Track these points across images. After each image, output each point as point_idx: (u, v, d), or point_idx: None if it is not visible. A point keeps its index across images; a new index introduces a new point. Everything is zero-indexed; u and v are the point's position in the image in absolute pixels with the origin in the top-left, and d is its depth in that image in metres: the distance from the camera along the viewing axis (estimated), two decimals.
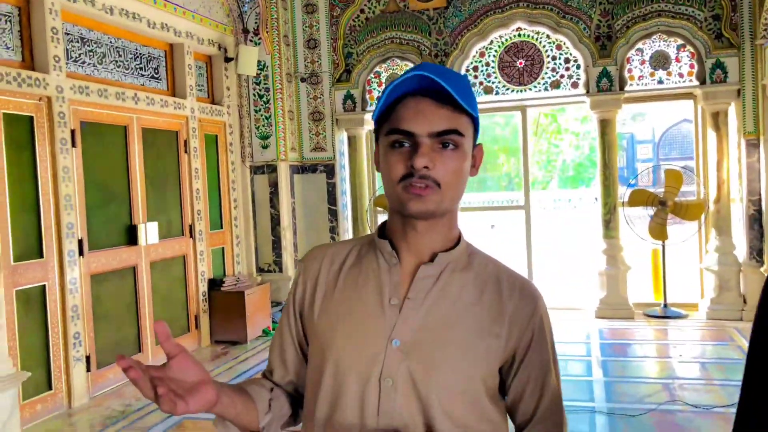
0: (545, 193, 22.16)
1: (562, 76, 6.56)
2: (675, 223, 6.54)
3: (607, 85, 6.36)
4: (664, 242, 6.52)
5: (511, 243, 9.05)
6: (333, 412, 1.05)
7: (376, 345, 1.03)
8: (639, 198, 6.55)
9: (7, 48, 4.33)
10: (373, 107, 7.07)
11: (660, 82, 6.36)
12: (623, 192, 6.67)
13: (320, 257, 1.16)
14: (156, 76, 5.83)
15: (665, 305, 6.43)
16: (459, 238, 1.11)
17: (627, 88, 6.39)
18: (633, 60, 6.39)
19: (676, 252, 7.09)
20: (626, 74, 6.39)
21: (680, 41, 6.23)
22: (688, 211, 6.34)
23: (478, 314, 1.05)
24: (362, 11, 6.96)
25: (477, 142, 1.10)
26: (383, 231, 1.13)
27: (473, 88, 6.29)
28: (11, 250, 4.18)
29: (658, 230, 6.45)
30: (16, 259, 4.22)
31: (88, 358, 4.74)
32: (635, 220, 6.67)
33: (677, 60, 6.29)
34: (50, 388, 4.44)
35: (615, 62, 6.33)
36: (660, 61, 6.33)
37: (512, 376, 1.09)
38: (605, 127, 6.51)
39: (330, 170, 7.11)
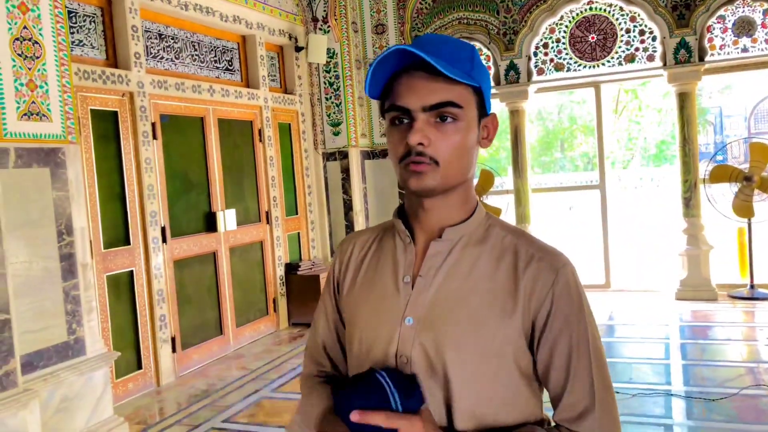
0: (626, 172, 21.38)
1: (636, 50, 6.32)
2: (762, 200, 6.20)
3: (686, 56, 6.08)
4: (750, 220, 6.20)
5: (590, 224, 8.83)
6: None
7: (391, 323, 1.05)
8: (722, 173, 6.25)
9: (93, 47, 4.60)
10: None
11: (744, 50, 6.02)
12: (705, 168, 6.38)
13: (352, 242, 1.20)
14: (230, 68, 6.03)
15: (752, 286, 6.13)
16: (473, 211, 1.09)
17: (707, 58, 6.09)
18: (714, 28, 6.07)
19: (763, 231, 6.72)
20: (706, 44, 6.09)
21: (767, 5, 5.87)
22: None
23: (491, 289, 1.03)
24: None
25: (489, 112, 1.08)
26: (401, 211, 1.14)
27: (544, 65, 6.07)
28: (101, 237, 4.47)
29: (744, 207, 6.14)
30: (105, 247, 4.51)
31: (173, 340, 5.01)
32: (718, 198, 6.37)
33: (764, 26, 5.93)
34: (140, 368, 4.74)
35: (694, 32, 6.04)
36: (744, 27, 5.99)
37: (536, 351, 1.04)
38: (684, 100, 6.23)
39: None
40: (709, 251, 6.19)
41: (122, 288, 4.66)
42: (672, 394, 3.89)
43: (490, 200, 7.07)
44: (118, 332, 4.57)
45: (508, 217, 6.99)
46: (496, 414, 1.01)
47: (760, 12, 5.93)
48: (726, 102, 24.42)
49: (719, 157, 6.91)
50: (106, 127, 4.60)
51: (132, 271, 4.72)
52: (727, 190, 6.34)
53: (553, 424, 1.07)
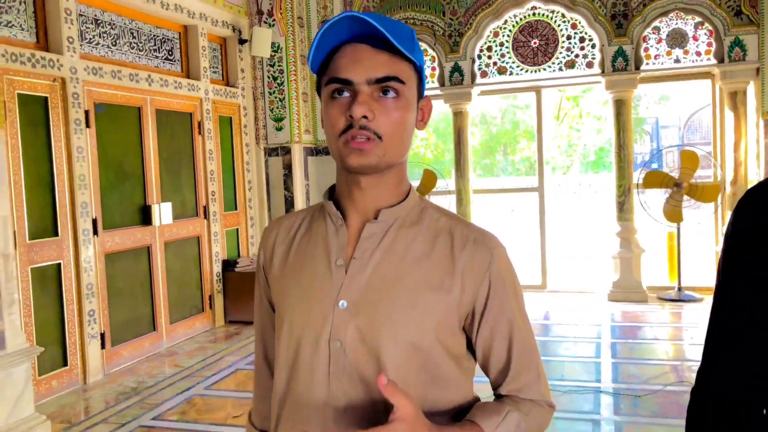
0: (565, 178, 21.93)
1: (576, 56, 6.49)
2: (691, 206, 6.45)
3: (623, 64, 6.27)
4: (679, 225, 6.44)
5: (529, 227, 9.03)
6: (289, 382, 1.04)
7: (323, 307, 1.02)
8: (654, 179, 6.47)
9: (22, 29, 4.40)
10: None
11: (677, 61, 6.25)
12: (638, 174, 6.59)
13: (277, 227, 1.16)
14: (170, 57, 5.88)
15: (679, 288, 6.37)
16: (408, 193, 1.07)
17: (643, 67, 6.30)
18: (650, 39, 6.29)
19: (692, 235, 7.00)
20: (642, 53, 6.30)
21: (698, 19, 6.12)
22: (704, 193, 6.25)
23: (427, 269, 1.02)
24: None
25: (424, 95, 1.06)
26: (332, 193, 1.11)
27: (487, 68, 6.15)
28: (27, 228, 4.27)
29: (673, 212, 6.37)
30: (31, 237, 4.32)
31: (102, 336, 4.84)
32: (650, 203, 6.59)
33: (695, 38, 6.18)
34: (66, 365, 4.55)
35: (631, 41, 6.24)
36: (677, 39, 6.22)
37: (476, 331, 1.04)
38: (620, 107, 6.43)
39: None
40: (641, 254, 6.39)
41: (49, 281, 4.47)
42: (601, 391, 4.00)
43: (433, 200, 7.12)
44: (43, 327, 4.38)
45: None
46: (430, 394, 1.01)
47: (691, 25, 6.17)
48: (662, 113, 25.34)
49: (654, 165, 7.17)
50: (35, 113, 4.40)
51: (59, 264, 4.53)
52: (659, 196, 6.57)
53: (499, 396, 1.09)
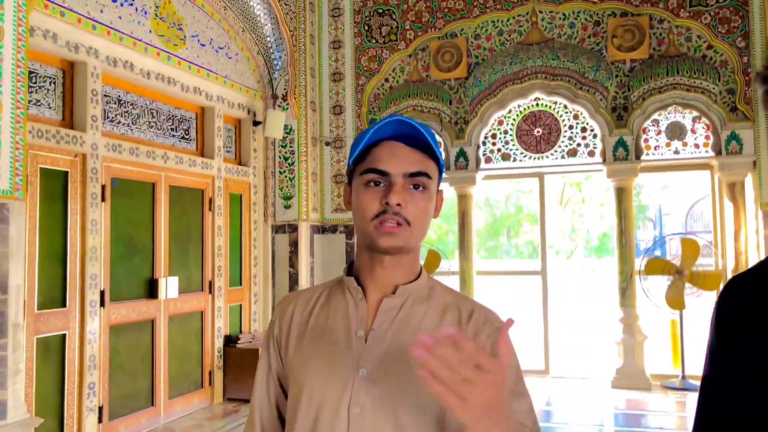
0: (569, 262, 21.98)
1: (578, 145, 6.70)
2: (693, 294, 6.49)
3: (623, 154, 6.47)
4: (681, 312, 6.45)
5: (532, 310, 9.03)
6: None
7: (344, 375, 1.10)
8: (656, 266, 6.54)
9: (49, 107, 4.62)
10: None
11: (676, 152, 6.45)
12: (641, 261, 6.66)
13: (294, 301, 1.24)
14: (186, 137, 6.11)
15: (683, 377, 6.31)
16: (420, 273, 1.19)
17: (643, 157, 6.49)
18: (649, 130, 6.51)
19: (695, 323, 6.99)
20: (642, 144, 6.51)
21: (695, 113, 6.36)
22: (706, 281, 6.31)
23: None
24: (386, 80, 7.24)
25: (439, 188, 1.20)
26: (351, 269, 1.21)
27: (492, 154, 6.37)
28: (36, 298, 4.34)
29: (676, 299, 6.40)
30: (39, 307, 4.38)
31: (100, 409, 4.81)
32: (653, 289, 6.64)
33: (693, 131, 6.40)
34: None
35: (631, 132, 6.46)
36: (676, 131, 6.45)
37: None
38: (621, 194, 6.59)
39: (350, 231, 7.25)
40: (644, 341, 6.38)
41: (52, 351, 4.49)
42: None
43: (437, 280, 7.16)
44: (43, 398, 4.37)
45: None
46: None
47: (689, 119, 6.41)
48: (665, 200, 25.67)
49: (657, 252, 7.24)
50: (55, 187, 4.56)
51: (65, 335, 4.57)
52: (662, 283, 6.61)
53: None
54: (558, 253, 21.26)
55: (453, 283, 7.08)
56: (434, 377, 0.83)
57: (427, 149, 1.12)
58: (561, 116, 6.77)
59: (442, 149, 7.02)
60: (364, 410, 1.07)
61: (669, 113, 6.46)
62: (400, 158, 1.11)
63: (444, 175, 6.90)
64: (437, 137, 7.04)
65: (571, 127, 6.74)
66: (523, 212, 20.23)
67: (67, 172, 4.64)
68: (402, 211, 1.09)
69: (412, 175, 1.11)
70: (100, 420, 4.80)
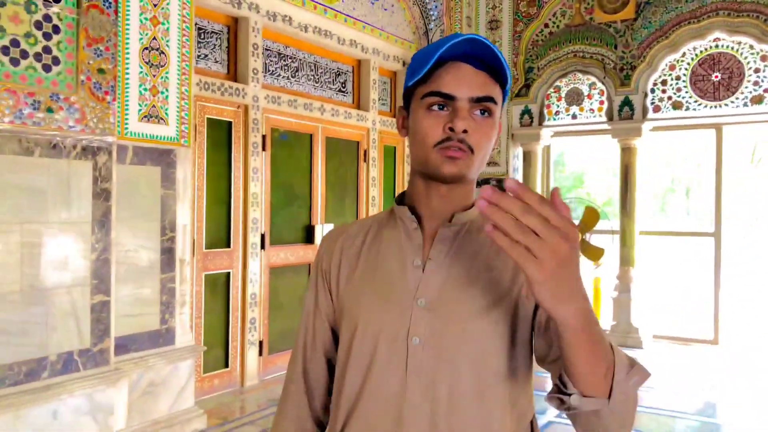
0: (752, 228, 19.82)
1: (766, 90, 5.92)
2: None
3: None
4: None
5: (702, 276, 8.27)
6: (365, 380, 1.07)
7: (402, 305, 1.06)
8: None
9: (216, 61, 4.95)
10: (552, 122, 6.95)
11: None
12: None
13: (340, 237, 1.20)
14: (343, 89, 6.27)
15: None
16: (474, 203, 1.12)
17: None
18: None
19: None
20: None
21: None
22: None
23: (495, 267, 1.06)
24: (546, 25, 6.87)
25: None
26: (402, 199, 1.17)
27: (661, 102, 5.85)
28: (204, 238, 4.75)
29: None
30: (207, 247, 4.79)
31: (261, 343, 5.20)
32: None
33: None
34: (227, 366, 4.95)
35: None
36: None
37: (534, 320, 1.05)
38: None
39: (501, 186, 7.07)
40: None
41: (218, 288, 4.91)
42: None
43: (593, 240, 6.81)
44: (210, 329, 4.82)
45: (611, 258, 6.70)
46: (500, 394, 1.03)
47: None
48: None
49: None
50: (220, 136, 4.91)
51: (229, 273, 4.97)
52: None
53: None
54: (738, 218, 19.27)
55: (613, 243, 6.68)
56: (500, 230, 0.75)
57: (493, 71, 1.04)
58: (746, 58, 6.00)
59: (602, 96, 6.59)
60: (424, 340, 1.03)
61: None
62: (467, 81, 1.03)
63: (606, 126, 6.49)
64: (597, 84, 6.59)
65: (757, 71, 5.95)
66: (700, 169, 18.50)
67: (230, 123, 4.97)
68: (467, 138, 1.02)
69: (479, 100, 1.03)
70: (260, 353, 5.20)
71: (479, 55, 1.02)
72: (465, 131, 1.02)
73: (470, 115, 1.03)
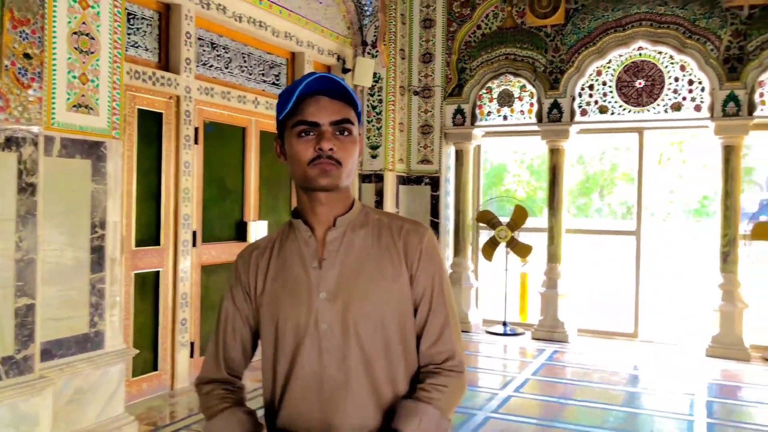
0: (665, 224, 20.98)
1: (684, 99, 6.24)
2: None
3: (734, 109, 5.98)
4: None
5: (623, 273, 8.67)
6: (292, 363, 1.34)
7: (309, 300, 1.34)
8: (763, 231, 6.08)
9: (147, 49, 4.72)
10: (484, 122, 7.07)
11: None
12: (745, 225, 6.21)
13: (251, 253, 1.45)
14: (276, 82, 6.13)
15: None
16: (352, 204, 1.40)
17: (756, 113, 5.97)
18: (766, 84, 5.97)
19: None
20: (757, 99, 5.98)
21: None
22: None
23: (379, 255, 1.36)
24: (479, 27, 6.97)
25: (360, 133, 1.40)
26: (296, 214, 1.41)
27: (588, 106, 6.06)
28: (133, 235, 4.53)
29: None
30: (136, 245, 4.57)
31: (192, 344, 5.02)
32: (756, 256, 6.19)
33: None
34: (156, 369, 4.75)
35: (745, 86, 5.94)
36: None
37: (412, 292, 1.37)
38: (729, 153, 6.11)
39: (435, 183, 7.15)
40: (744, 309, 6.00)
41: (148, 287, 4.70)
42: None
43: (523, 237, 6.99)
44: (139, 331, 4.60)
45: (539, 255, 6.89)
46: (390, 362, 1.34)
47: None
48: None
49: (763, 217, 6.74)
50: (151, 128, 4.69)
51: (159, 272, 4.76)
52: None
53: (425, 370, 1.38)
54: (653, 214, 20.34)
55: (540, 239, 6.88)
56: None
57: (345, 98, 1.31)
58: (666, 67, 6.31)
59: (533, 99, 6.75)
60: (331, 325, 1.32)
61: None
62: (326, 109, 1.30)
63: (535, 127, 6.66)
64: (527, 87, 6.75)
65: (676, 80, 6.28)
66: (618, 171, 19.39)
67: (162, 114, 4.76)
68: (334, 155, 1.29)
69: (338, 122, 1.30)
70: (191, 355, 5.01)
71: (331, 89, 1.30)
72: (331, 149, 1.28)
73: (333, 136, 1.30)
